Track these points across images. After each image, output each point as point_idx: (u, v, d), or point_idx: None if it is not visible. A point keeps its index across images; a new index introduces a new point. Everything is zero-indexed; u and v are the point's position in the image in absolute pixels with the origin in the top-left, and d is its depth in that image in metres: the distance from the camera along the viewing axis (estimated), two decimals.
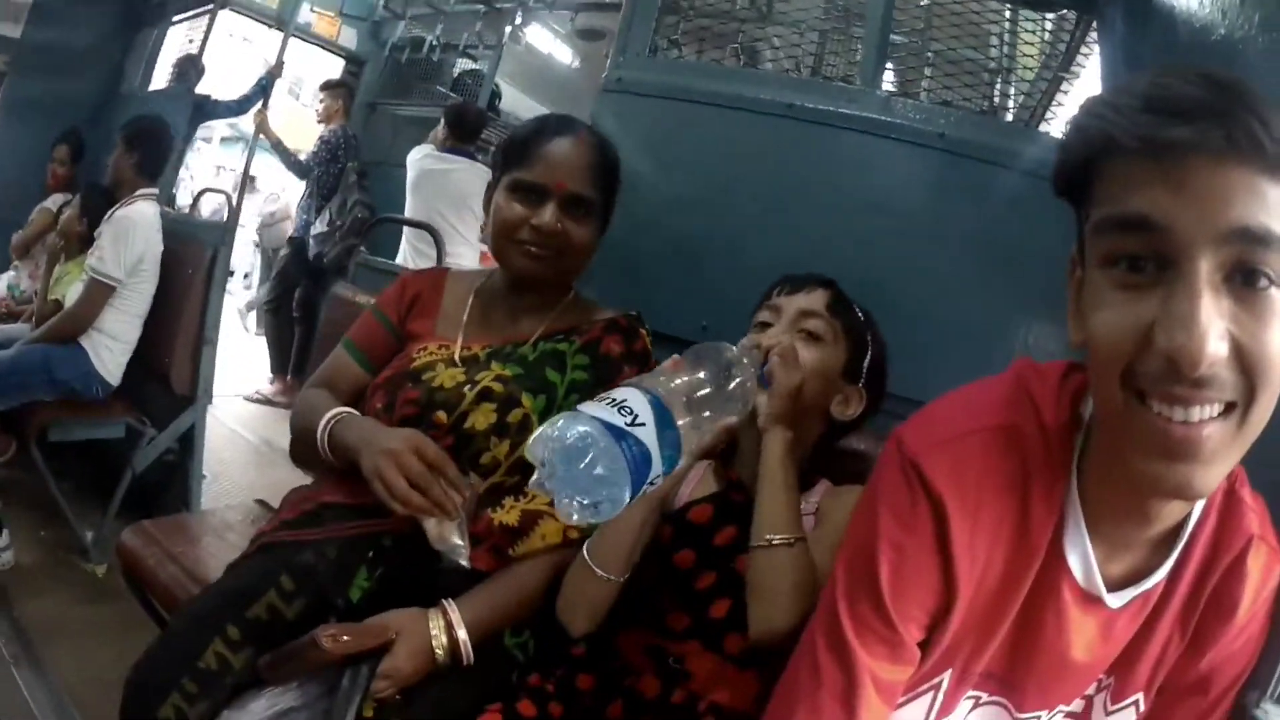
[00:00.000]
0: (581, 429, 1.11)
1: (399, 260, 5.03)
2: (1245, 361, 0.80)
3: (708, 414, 1.29)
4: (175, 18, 5.54)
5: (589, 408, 1.15)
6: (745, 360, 1.40)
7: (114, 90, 5.70)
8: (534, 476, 1.14)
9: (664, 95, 2.44)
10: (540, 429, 1.14)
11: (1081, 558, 1.03)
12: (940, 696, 1.14)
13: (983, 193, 2.03)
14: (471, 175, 4.99)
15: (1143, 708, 1.16)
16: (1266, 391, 0.82)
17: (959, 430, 1.05)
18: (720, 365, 1.35)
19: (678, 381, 1.27)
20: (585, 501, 1.12)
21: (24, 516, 3.74)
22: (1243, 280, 0.80)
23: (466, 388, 1.74)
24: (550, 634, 1.63)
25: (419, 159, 5.15)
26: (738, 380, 1.36)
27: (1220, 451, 0.85)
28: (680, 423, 1.21)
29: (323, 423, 1.72)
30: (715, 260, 2.26)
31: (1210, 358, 0.79)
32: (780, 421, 1.51)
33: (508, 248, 1.81)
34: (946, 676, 1.12)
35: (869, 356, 1.68)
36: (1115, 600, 1.05)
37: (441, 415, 1.72)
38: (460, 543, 1.57)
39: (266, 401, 6.41)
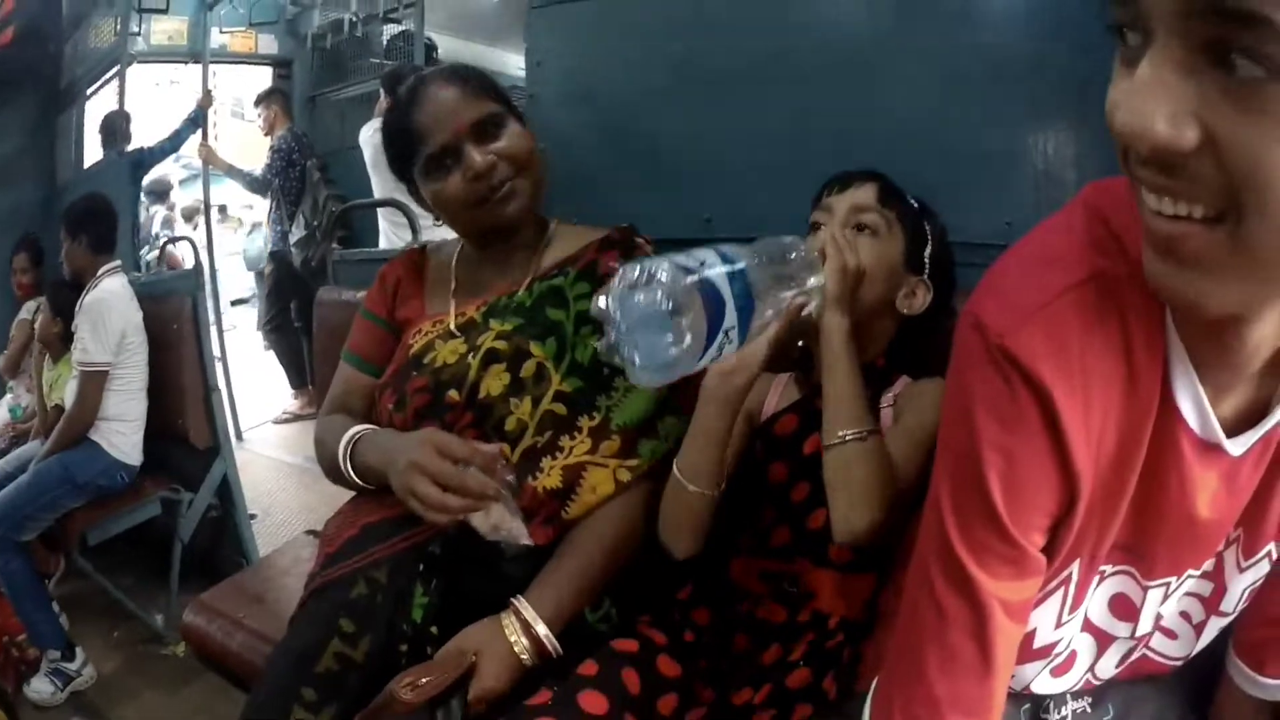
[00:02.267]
0: (646, 265, 1.09)
1: (381, 244, 4.99)
2: (1225, 159, 0.65)
3: (773, 292, 1.23)
4: (89, 90, 5.45)
5: (655, 257, 1.13)
6: (804, 247, 1.34)
7: (53, 184, 5.70)
8: (601, 340, 1.12)
9: None
10: (605, 289, 1.11)
11: (1194, 402, 0.88)
12: (1072, 589, 1.02)
13: (963, 12, 1.89)
14: None
15: (1275, 557, 1.06)
16: (1257, 202, 0.65)
17: (1046, 294, 0.86)
18: (780, 248, 1.29)
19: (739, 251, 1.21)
20: (660, 344, 1.08)
21: (92, 624, 3.71)
22: (1217, 61, 0.63)
23: (470, 356, 1.64)
24: (636, 592, 1.57)
25: (370, 135, 5.02)
26: (799, 260, 1.31)
27: (1211, 262, 0.70)
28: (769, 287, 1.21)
29: (341, 452, 1.64)
30: (697, 148, 2.14)
31: (1159, 137, 0.65)
32: (836, 306, 1.43)
33: (472, 216, 1.69)
34: (1075, 567, 1.00)
35: (929, 246, 1.59)
36: (1236, 447, 0.91)
37: (453, 393, 1.62)
38: (515, 523, 1.48)
39: (295, 418, 6.45)
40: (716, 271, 1.12)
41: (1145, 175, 0.71)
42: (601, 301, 1.10)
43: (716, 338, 1.10)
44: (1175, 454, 0.90)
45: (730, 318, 1.12)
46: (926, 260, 1.58)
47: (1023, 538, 0.90)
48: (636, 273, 1.09)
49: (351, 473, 1.64)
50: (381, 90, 5.13)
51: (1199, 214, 0.69)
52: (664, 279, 1.08)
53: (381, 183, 4.87)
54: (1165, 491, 0.93)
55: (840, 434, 1.35)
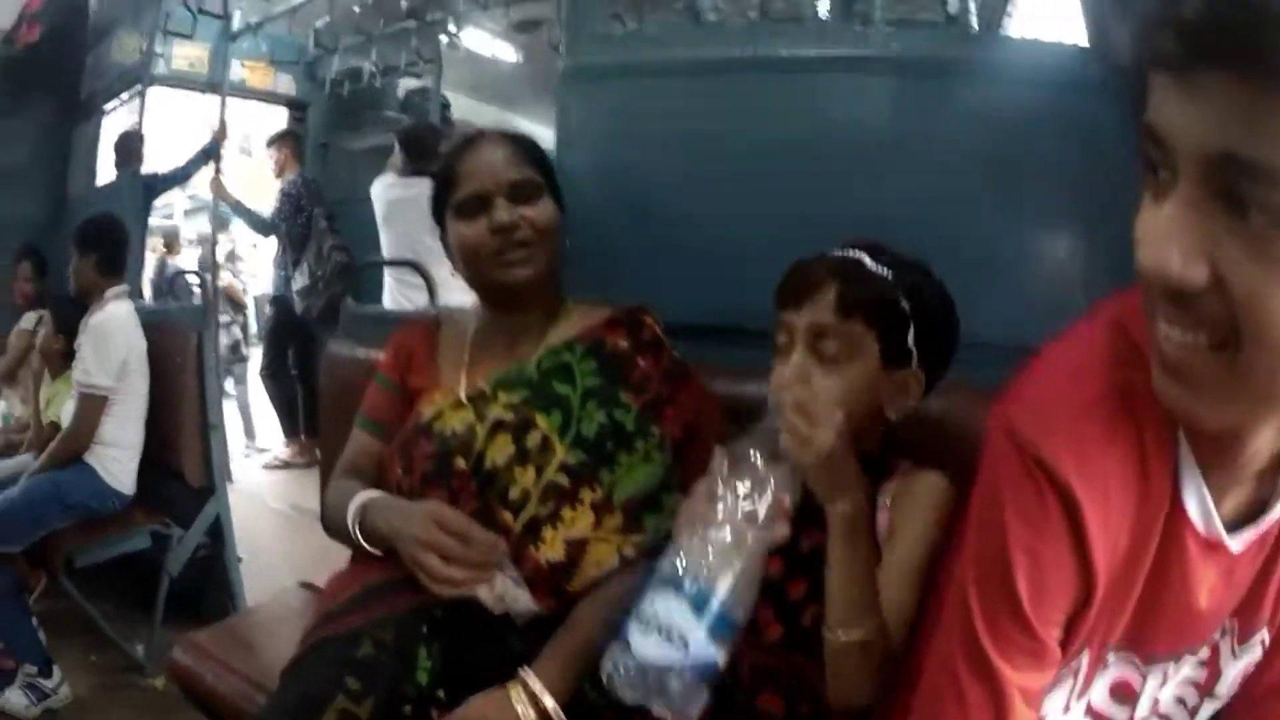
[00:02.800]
0: (643, 683, 1.17)
1: (386, 300, 4.98)
2: (1231, 296, 0.72)
3: (762, 528, 1.23)
4: (106, 107, 5.43)
5: (636, 641, 1.19)
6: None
7: (62, 196, 5.62)
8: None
9: (629, 74, 2.33)
10: (606, 668, 1.21)
11: (1199, 502, 0.95)
12: (1080, 677, 1.06)
13: (978, 112, 1.92)
14: None
15: (1267, 643, 1.12)
16: (1255, 335, 0.73)
17: (1076, 406, 0.94)
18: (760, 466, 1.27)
19: (715, 524, 1.22)
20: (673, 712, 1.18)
21: (72, 646, 3.66)
22: (1232, 207, 0.71)
23: (478, 426, 1.67)
24: None
25: (383, 190, 5.03)
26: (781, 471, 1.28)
27: (1212, 384, 0.78)
28: (731, 574, 1.19)
29: (350, 517, 1.68)
30: (718, 231, 2.15)
31: (1173, 276, 0.73)
32: (835, 491, 1.31)
33: (483, 268, 1.74)
34: (1084, 658, 1.04)
35: (911, 328, 1.44)
36: (1236, 543, 0.98)
37: (460, 461, 1.65)
38: (519, 592, 1.56)
39: (285, 465, 6.43)
40: (697, 643, 1.16)
41: (1160, 306, 0.78)
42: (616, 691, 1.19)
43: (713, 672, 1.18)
44: (1180, 551, 0.96)
45: (723, 659, 1.18)
46: (912, 348, 1.44)
47: (1044, 631, 0.95)
48: (630, 680, 1.18)
49: (360, 538, 1.68)
50: (397, 146, 5.19)
51: (1204, 341, 0.76)
52: (649, 683, 1.16)
53: (392, 238, 4.89)
54: (1169, 585, 0.98)
55: (841, 634, 1.28)
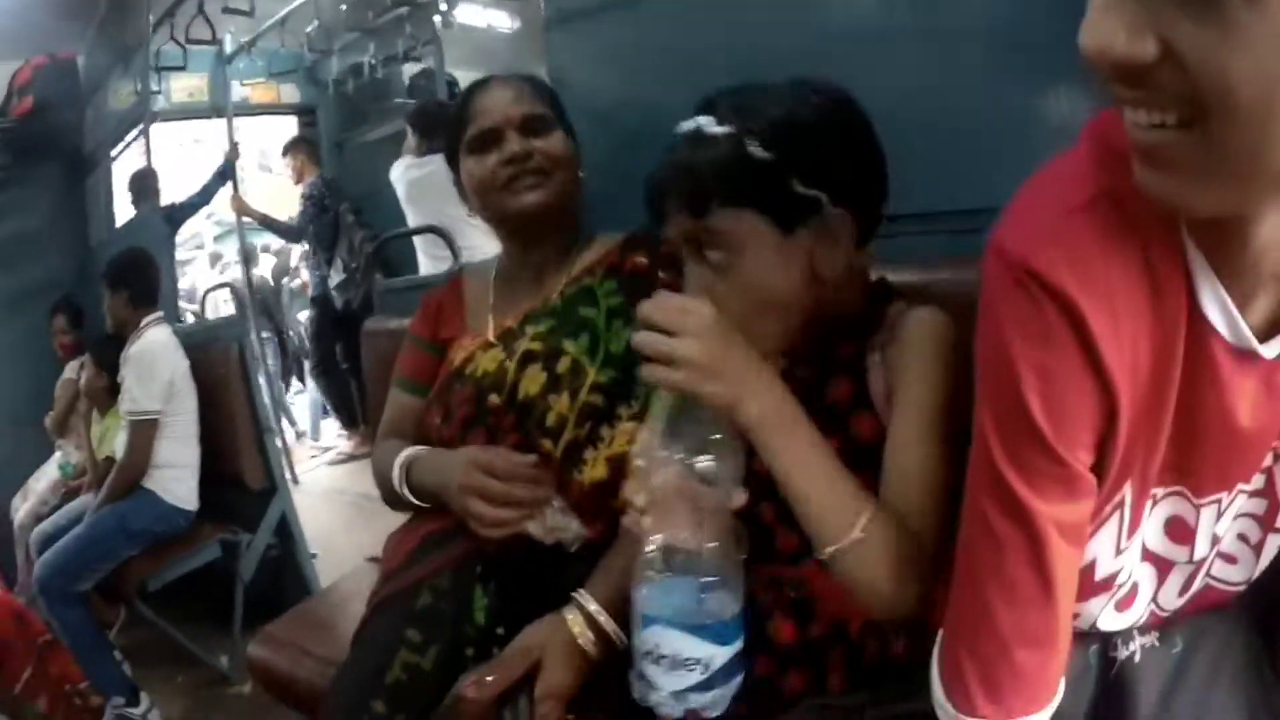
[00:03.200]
0: (684, 704, 1.14)
1: (421, 272, 4.97)
2: (1186, 67, 0.69)
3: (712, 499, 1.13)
4: (112, 153, 5.49)
5: (653, 674, 1.14)
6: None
7: (87, 249, 5.71)
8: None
9: (612, 6, 2.30)
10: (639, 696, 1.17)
11: (1221, 309, 0.90)
12: (1127, 513, 1.01)
13: None
14: None
15: None
16: (1220, 105, 0.69)
17: (1059, 212, 0.89)
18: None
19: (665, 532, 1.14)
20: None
21: (157, 670, 3.71)
22: None
23: (508, 362, 1.67)
24: None
25: (402, 173, 5.05)
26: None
27: (1189, 165, 0.75)
28: (702, 569, 1.13)
29: (396, 477, 1.71)
30: None
31: (1118, 52, 0.71)
32: (734, 400, 1.12)
33: (496, 198, 1.73)
34: (1128, 490, 0.99)
35: (793, 174, 1.16)
36: (1269, 350, 0.91)
37: (494, 398, 1.66)
38: (568, 521, 1.57)
39: (349, 458, 6.49)
40: (721, 656, 1.13)
41: (1119, 91, 0.75)
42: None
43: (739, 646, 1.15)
44: (1210, 364, 0.91)
45: (738, 642, 1.15)
46: (807, 192, 1.16)
47: (1069, 454, 0.91)
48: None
49: (409, 495, 1.70)
50: (409, 128, 5.21)
51: (1172, 120, 0.73)
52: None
53: (418, 216, 4.89)
54: (1205, 404, 0.94)
55: (830, 550, 1.10)
